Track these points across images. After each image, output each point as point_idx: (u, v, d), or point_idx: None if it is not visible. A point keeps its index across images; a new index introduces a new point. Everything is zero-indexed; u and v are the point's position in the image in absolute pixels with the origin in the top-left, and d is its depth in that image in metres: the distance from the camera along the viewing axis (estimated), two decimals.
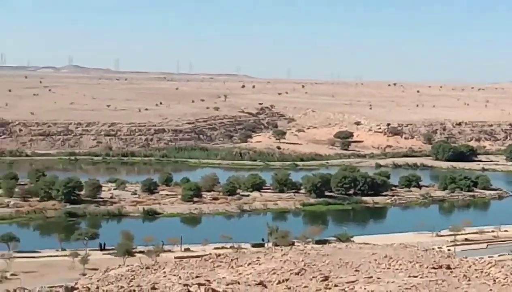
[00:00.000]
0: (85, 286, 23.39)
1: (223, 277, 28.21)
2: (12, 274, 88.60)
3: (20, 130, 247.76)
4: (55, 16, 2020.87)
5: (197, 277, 28.56)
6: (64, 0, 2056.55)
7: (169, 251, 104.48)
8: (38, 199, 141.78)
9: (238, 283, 23.58)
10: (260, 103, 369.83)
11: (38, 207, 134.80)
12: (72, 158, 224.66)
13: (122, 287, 22.78)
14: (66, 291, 20.25)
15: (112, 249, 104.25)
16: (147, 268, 35.84)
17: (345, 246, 45.85)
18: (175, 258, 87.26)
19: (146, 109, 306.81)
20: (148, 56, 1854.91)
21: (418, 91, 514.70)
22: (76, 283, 36.70)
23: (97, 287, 23.95)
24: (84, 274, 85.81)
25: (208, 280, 23.71)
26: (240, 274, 29.12)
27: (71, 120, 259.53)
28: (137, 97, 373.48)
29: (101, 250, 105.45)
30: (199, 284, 22.25)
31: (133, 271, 35.89)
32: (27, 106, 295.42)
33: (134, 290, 22.20)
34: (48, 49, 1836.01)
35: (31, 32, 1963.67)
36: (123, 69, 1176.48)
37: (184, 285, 22.25)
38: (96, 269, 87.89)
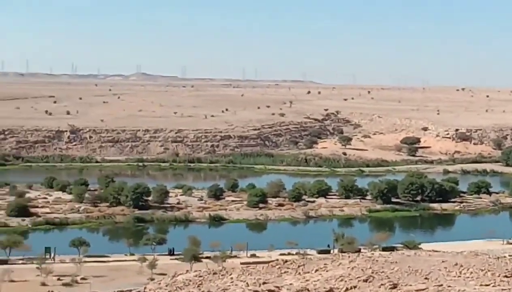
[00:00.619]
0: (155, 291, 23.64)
1: (291, 284, 28.16)
2: (82, 278, 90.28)
3: (90, 137, 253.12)
4: (124, 25, 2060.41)
5: (264, 283, 28.61)
6: (133, 11, 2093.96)
7: (235, 256, 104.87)
8: (107, 204, 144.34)
9: (308, 290, 23.44)
10: (326, 109, 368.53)
11: (107, 212, 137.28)
12: (140, 164, 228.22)
13: None
14: None
15: (179, 254, 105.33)
16: (215, 273, 36.04)
17: (414, 253, 45.16)
18: (241, 263, 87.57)
19: (212, 116, 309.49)
20: (214, 63, 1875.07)
21: (487, 96, 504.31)
22: (144, 288, 37.19)
23: None
24: (152, 279, 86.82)
25: (277, 287, 23.64)
26: (307, 280, 29.01)
27: (139, 127, 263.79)
28: (204, 104, 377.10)
29: (170, 255, 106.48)
30: (269, 291, 22.20)
31: (201, 276, 36.11)
32: (97, 113, 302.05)
33: None
34: (117, 57, 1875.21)
35: (101, 41, 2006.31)
36: (190, 77, 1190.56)
37: (254, 291, 22.22)
38: (164, 274, 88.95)
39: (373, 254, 47.22)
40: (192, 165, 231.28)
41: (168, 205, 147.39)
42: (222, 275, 35.42)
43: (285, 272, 34.61)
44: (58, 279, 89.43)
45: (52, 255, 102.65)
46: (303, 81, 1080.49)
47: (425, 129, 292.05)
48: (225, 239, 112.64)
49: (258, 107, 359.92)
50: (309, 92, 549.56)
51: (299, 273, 33.01)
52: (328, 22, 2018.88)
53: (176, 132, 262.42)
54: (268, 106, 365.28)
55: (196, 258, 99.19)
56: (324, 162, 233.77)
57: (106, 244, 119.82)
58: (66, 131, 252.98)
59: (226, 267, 45.23)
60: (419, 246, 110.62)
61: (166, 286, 35.10)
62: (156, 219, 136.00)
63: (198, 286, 32.75)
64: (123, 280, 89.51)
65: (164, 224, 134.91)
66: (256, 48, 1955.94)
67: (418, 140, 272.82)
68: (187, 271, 47.01)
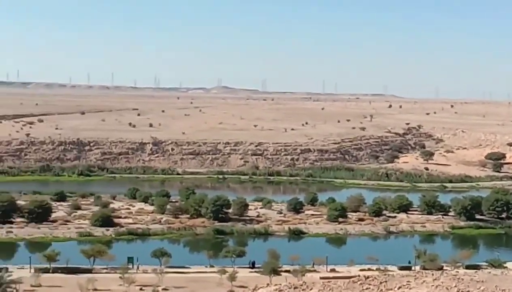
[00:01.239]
0: None
1: None
2: (163, 289, 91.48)
3: (172, 149, 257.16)
4: (207, 40, 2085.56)
5: None
6: (215, 24, 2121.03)
7: (315, 271, 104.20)
8: (188, 216, 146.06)
9: None
10: (407, 123, 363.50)
11: (188, 224, 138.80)
12: (220, 176, 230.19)
13: None
14: None
15: (258, 267, 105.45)
16: (295, 288, 35.77)
17: (501, 273, 43.80)
18: (321, 278, 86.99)
19: (292, 129, 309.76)
20: (294, 76, 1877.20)
21: None
22: None
23: None
24: (232, 291, 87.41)
25: None
26: None
27: (219, 140, 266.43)
28: (284, 117, 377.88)
29: (250, 268, 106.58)
30: None
31: (281, 290, 35.91)
32: (179, 126, 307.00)
33: None
34: (199, 71, 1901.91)
35: (184, 55, 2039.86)
36: (270, 90, 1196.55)
37: None
38: (243, 287, 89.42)
39: (457, 272, 46.04)
40: (271, 178, 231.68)
41: (248, 218, 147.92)
42: (302, 290, 35.15)
43: (366, 288, 34.09)
44: (140, 289, 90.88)
45: (137, 265, 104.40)
46: (384, 95, 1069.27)
47: (510, 144, 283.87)
48: (305, 253, 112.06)
49: (338, 121, 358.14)
50: (390, 106, 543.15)
51: (381, 290, 32.42)
52: (409, 35, 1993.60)
53: (256, 145, 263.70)
54: (348, 120, 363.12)
55: (276, 272, 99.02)
56: (405, 176, 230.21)
57: (186, 255, 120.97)
58: (149, 143, 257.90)
59: (307, 281, 44.94)
60: (505, 265, 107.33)
61: None
62: (236, 231, 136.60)
63: None
64: (203, 291, 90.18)
65: (244, 237, 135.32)
66: (336, 62, 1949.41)
67: (503, 156, 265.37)
68: (268, 284, 46.85)
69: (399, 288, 31.36)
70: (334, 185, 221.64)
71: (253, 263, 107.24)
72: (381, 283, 35.39)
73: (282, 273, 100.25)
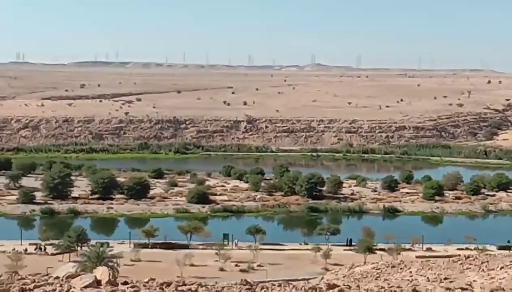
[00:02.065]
0: (331, 283, 23.50)
1: (474, 281, 26.95)
2: (258, 265, 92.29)
3: (266, 127, 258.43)
4: (298, 17, 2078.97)
5: (445, 279, 27.57)
6: (305, 1, 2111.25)
7: (411, 249, 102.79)
8: (282, 193, 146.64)
9: (503, 289, 22.18)
10: (507, 99, 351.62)
11: (282, 201, 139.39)
12: (314, 154, 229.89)
13: (382, 287, 22.44)
14: (328, 287, 20.46)
15: (352, 245, 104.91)
16: (393, 266, 35.28)
17: None
18: (417, 257, 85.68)
19: (387, 106, 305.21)
20: (389, 53, 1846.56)
21: None
22: (322, 278, 37.22)
23: (358, 286, 23.84)
24: (326, 269, 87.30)
25: (469, 285, 22.59)
26: (492, 278, 27.62)
27: (313, 118, 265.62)
28: (378, 94, 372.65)
29: (348, 245, 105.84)
30: (462, 289, 21.29)
31: (378, 269, 35.51)
32: (273, 104, 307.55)
33: (394, 291, 21.79)
34: (292, 48, 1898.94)
35: (276, 34, 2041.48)
36: (364, 66, 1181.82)
37: (447, 288, 21.38)
38: (338, 265, 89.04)
39: None
40: (366, 155, 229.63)
41: (342, 196, 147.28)
42: (400, 269, 34.64)
43: (467, 268, 33.26)
44: (236, 265, 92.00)
45: (235, 241, 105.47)
46: (483, 70, 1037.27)
47: None
48: (400, 231, 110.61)
49: (435, 98, 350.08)
50: (489, 81, 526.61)
51: (483, 270, 31.56)
52: (508, 7, 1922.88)
53: (350, 123, 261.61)
54: (445, 97, 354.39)
55: (370, 250, 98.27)
56: (505, 154, 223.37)
57: (280, 233, 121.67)
58: (243, 121, 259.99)
59: (405, 260, 44.21)
60: None
61: (344, 277, 34.92)
62: (330, 209, 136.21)
63: (376, 279, 32.25)
64: (297, 269, 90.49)
65: (338, 214, 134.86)
66: (432, 37, 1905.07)
67: None
68: (364, 263, 46.46)
69: (501, 268, 30.38)
70: (430, 162, 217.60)
71: (350, 241, 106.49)
72: (482, 263, 34.44)
73: (377, 252, 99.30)
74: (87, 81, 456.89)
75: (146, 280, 20.20)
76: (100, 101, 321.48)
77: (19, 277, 20.44)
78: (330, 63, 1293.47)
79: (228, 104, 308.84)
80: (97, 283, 18.10)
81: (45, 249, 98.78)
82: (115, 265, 79.03)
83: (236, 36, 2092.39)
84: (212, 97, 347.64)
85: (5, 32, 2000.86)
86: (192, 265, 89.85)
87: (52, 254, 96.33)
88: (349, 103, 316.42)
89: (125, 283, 19.21)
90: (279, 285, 21.61)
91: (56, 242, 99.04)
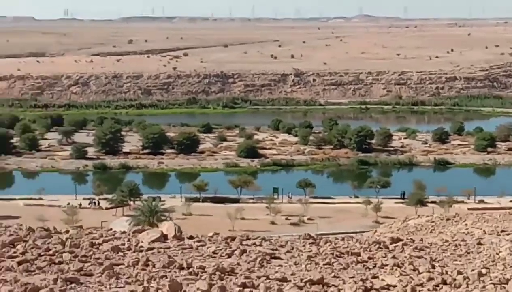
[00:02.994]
0: (395, 237, 23.59)
1: None
2: (308, 219, 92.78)
3: (314, 80, 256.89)
4: None
5: (502, 231, 27.50)
6: None
7: (463, 202, 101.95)
8: (331, 147, 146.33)
9: None
10: None
11: (331, 155, 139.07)
12: (363, 106, 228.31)
13: (446, 240, 22.55)
14: (392, 241, 20.66)
15: (403, 198, 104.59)
16: (448, 219, 35.19)
17: None
18: (469, 209, 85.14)
19: (437, 57, 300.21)
20: (438, 2, 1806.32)
21: None
22: (375, 231, 37.35)
23: (421, 240, 23.97)
24: (377, 222, 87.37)
25: None
26: None
27: (361, 70, 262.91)
28: (428, 44, 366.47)
29: (402, 198, 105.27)
30: None
31: (433, 221, 35.45)
32: (320, 56, 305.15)
33: (459, 244, 21.88)
34: (339, 0, 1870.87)
35: None
36: (413, 17, 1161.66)
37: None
38: (388, 217, 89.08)
39: None
40: (415, 107, 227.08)
41: (392, 148, 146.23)
42: (455, 222, 34.54)
43: None
44: (286, 219, 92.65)
45: (289, 194, 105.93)
46: None
47: None
48: (451, 183, 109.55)
49: (486, 47, 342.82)
50: None
51: None
52: None
53: (399, 75, 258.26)
54: (497, 46, 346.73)
55: (422, 203, 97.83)
56: None
57: (330, 186, 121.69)
58: (291, 74, 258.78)
59: (459, 213, 44.02)
60: None
61: (398, 230, 34.97)
62: (380, 162, 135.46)
63: (430, 232, 32.25)
64: (348, 222, 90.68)
65: (388, 167, 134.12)
66: None
67: None
68: (418, 215, 46.41)
69: None
70: (481, 114, 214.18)
71: (404, 194, 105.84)
72: None
73: (429, 204, 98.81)
74: (135, 37, 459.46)
75: (211, 234, 20.64)
76: (148, 56, 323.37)
77: (87, 231, 21.08)
78: (378, 14, 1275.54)
79: (275, 57, 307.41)
80: (164, 237, 18.56)
81: (99, 203, 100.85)
82: (168, 218, 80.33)
83: None
84: (259, 50, 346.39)
85: None
86: (242, 218, 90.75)
87: (106, 208, 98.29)
88: (398, 54, 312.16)
89: (191, 237, 19.67)
90: (342, 239, 21.83)
91: (109, 196, 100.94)
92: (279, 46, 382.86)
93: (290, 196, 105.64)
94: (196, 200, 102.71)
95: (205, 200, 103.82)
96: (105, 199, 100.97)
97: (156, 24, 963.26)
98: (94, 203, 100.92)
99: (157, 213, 79.77)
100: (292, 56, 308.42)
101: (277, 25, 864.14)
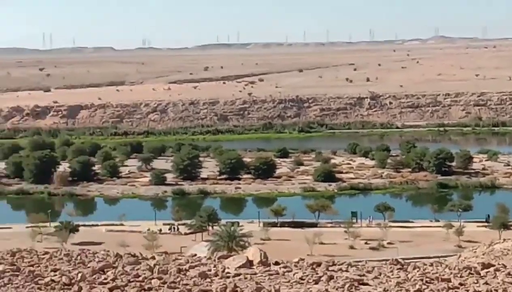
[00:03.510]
0: (486, 262, 22.92)
1: None
2: (388, 243, 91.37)
3: (390, 103, 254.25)
4: None
5: None
6: None
7: None
8: (409, 170, 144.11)
9: None
10: None
11: (410, 178, 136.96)
12: (441, 129, 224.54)
13: None
14: (483, 267, 20.11)
15: (484, 222, 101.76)
16: None
17: None
18: None
19: None
20: None
21: None
22: (459, 256, 36.41)
23: None
24: (459, 246, 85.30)
25: None
26: None
27: (439, 92, 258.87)
28: (507, 64, 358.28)
29: (486, 222, 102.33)
30: None
31: None
32: (396, 79, 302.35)
33: None
34: (414, 21, 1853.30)
35: (398, 7, 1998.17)
36: (491, 37, 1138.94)
37: None
38: (471, 242, 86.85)
39: None
40: (496, 129, 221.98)
41: (472, 171, 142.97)
42: None
43: None
44: (365, 243, 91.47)
45: (370, 218, 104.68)
46: None
47: None
48: None
49: None
50: None
51: None
52: None
53: (478, 96, 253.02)
54: None
55: (506, 226, 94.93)
56: None
57: (409, 210, 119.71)
58: (367, 98, 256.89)
59: None
60: None
61: (483, 255, 33.98)
62: (460, 184, 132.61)
63: None
64: (429, 246, 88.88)
65: (469, 190, 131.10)
66: None
67: None
68: (504, 240, 44.98)
69: None
70: None
71: (488, 217, 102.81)
72: None
73: None
74: (210, 64, 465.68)
75: (296, 260, 20.51)
76: (224, 83, 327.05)
77: (173, 257, 21.24)
78: (454, 35, 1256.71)
79: (351, 81, 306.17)
80: (249, 263, 18.53)
81: (178, 228, 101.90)
82: (246, 243, 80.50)
83: (357, 11, 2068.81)
84: (334, 74, 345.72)
85: (131, 19, 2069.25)
86: (321, 243, 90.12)
87: (185, 234, 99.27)
88: (476, 75, 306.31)
89: (276, 263, 19.59)
90: (431, 265, 21.32)
91: (188, 222, 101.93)
92: (354, 69, 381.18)
93: (371, 219, 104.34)
94: (274, 224, 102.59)
95: (283, 224, 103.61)
96: (184, 224, 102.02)
97: (231, 50, 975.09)
98: (174, 228, 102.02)
99: (236, 238, 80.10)
100: (368, 79, 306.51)
101: (352, 49, 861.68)
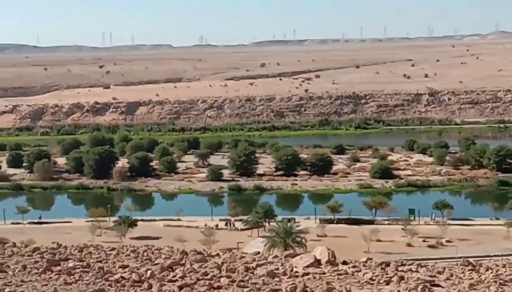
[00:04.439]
0: None
1: None
2: (447, 241, 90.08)
3: (449, 99, 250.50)
4: None
5: None
6: None
7: None
8: (469, 167, 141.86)
9: None
10: None
11: (469, 175, 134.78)
12: (502, 125, 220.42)
13: None
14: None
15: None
16: None
17: None
18: None
19: None
20: None
21: None
22: None
23: None
24: None
25: None
26: None
27: (499, 88, 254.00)
28: None
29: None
30: None
31: None
32: (455, 75, 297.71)
33: None
34: (474, 16, 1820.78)
35: (457, 1, 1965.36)
36: None
37: None
38: None
39: None
40: None
41: None
42: None
43: None
44: (423, 241, 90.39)
45: (433, 215, 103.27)
46: None
47: None
48: None
49: None
50: None
51: None
52: None
53: None
54: None
55: None
56: None
57: (469, 207, 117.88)
58: (425, 94, 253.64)
59: None
60: None
61: None
62: None
63: None
64: (489, 245, 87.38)
65: None
66: None
67: None
68: None
69: None
70: None
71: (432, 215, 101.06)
72: None
73: None
74: (267, 61, 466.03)
75: (364, 259, 20.42)
76: (280, 79, 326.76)
77: (239, 255, 21.37)
78: None
79: (408, 77, 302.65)
80: (317, 262, 18.52)
81: (234, 224, 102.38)
82: (303, 240, 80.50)
83: (414, 7, 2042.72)
84: (391, 70, 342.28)
85: (189, 17, 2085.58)
86: (378, 240, 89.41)
87: (242, 229, 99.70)
88: None
89: (344, 262, 19.56)
90: (503, 266, 20.97)
91: (244, 217, 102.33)
92: (412, 65, 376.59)
93: (433, 217, 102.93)
94: (331, 221, 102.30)
95: (339, 221, 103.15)
96: (240, 220, 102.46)
97: (287, 47, 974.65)
98: (230, 224, 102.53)
99: (292, 234, 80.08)
100: (426, 76, 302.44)
101: (410, 44, 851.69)
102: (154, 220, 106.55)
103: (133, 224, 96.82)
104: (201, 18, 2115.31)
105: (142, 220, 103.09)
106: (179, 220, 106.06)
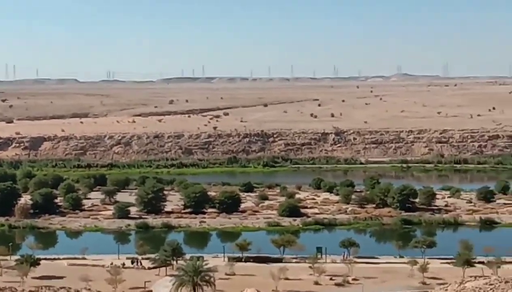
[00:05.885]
0: None
1: None
2: (353, 279, 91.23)
3: (354, 139, 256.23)
4: (386, 27, 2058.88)
5: None
6: (396, 11, 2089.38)
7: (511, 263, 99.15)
8: (373, 205, 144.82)
9: None
10: None
11: (374, 214, 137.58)
12: (404, 165, 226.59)
13: None
14: None
15: (449, 259, 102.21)
16: (506, 282, 34.10)
17: None
18: None
19: (479, 115, 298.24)
20: (477, 60, 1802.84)
21: None
22: None
23: None
24: (423, 283, 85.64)
25: None
26: None
27: (402, 128, 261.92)
28: (469, 103, 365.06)
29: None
30: None
31: (491, 284, 34.34)
32: (360, 115, 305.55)
33: None
34: (378, 59, 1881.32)
35: (361, 43, 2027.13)
36: (453, 75, 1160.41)
37: None
38: (435, 278, 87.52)
39: None
40: (458, 166, 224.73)
41: (436, 207, 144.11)
42: None
43: None
44: (331, 279, 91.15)
45: (345, 253, 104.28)
46: None
47: None
48: (499, 243, 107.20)
49: None
50: None
51: None
52: None
53: (440, 133, 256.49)
54: None
55: (469, 263, 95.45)
56: None
57: (374, 245, 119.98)
58: (331, 133, 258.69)
59: None
60: None
61: None
62: (424, 221, 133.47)
63: None
64: (394, 282, 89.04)
65: (432, 227, 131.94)
66: None
67: None
68: (475, 277, 45.05)
69: None
70: None
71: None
72: None
73: (476, 265, 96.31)
74: (175, 97, 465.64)
75: None
76: (189, 116, 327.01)
77: None
78: (416, 72, 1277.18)
79: (315, 116, 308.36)
80: None
81: (141, 263, 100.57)
82: (211, 279, 79.78)
83: (321, 48, 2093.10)
84: (299, 109, 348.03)
85: (96, 51, 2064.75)
86: (286, 278, 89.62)
87: (149, 268, 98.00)
88: (439, 113, 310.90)
89: None
90: None
91: (152, 256, 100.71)
92: (319, 105, 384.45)
93: (345, 255, 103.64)
94: (239, 259, 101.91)
95: (247, 259, 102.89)
96: (148, 258, 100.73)
97: (196, 84, 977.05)
98: (137, 262, 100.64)
99: (201, 273, 79.34)
100: (332, 115, 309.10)
101: (316, 84, 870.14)
102: (58, 259, 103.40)
103: (35, 263, 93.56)
104: (108, 53, 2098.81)
105: (45, 259, 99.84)
106: (84, 258, 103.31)
